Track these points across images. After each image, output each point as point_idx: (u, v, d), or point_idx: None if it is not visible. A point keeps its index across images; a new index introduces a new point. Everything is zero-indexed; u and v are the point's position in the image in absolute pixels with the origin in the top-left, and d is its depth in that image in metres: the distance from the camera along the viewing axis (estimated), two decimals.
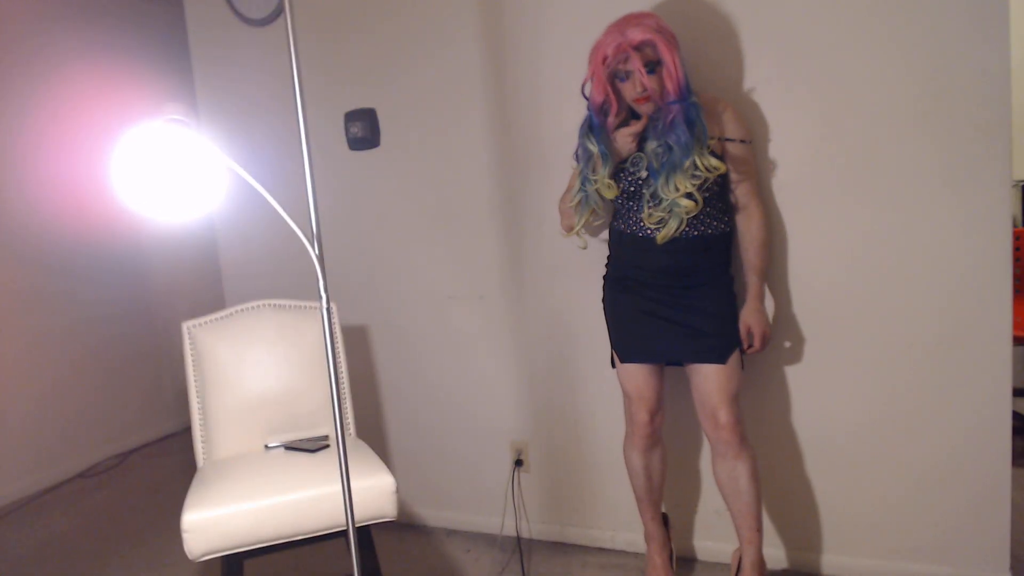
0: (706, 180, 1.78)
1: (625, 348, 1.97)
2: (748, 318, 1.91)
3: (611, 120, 1.83)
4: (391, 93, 2.46)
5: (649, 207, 1.83)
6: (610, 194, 1.89)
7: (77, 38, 3.65)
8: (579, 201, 1.94)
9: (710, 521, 2.24)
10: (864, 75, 1.88)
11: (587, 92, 1.85)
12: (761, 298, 1.93)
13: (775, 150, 1.99)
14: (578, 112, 2.00)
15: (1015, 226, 3.18)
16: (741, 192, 1.89)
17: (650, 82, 1.73)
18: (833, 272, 1.99)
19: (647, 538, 2.09)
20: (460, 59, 2.34)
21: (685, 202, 1.76)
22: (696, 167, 1.75)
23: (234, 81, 2.72)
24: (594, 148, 1.86)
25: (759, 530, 1.90)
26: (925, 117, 1.84)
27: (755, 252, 1.91)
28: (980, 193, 1.82)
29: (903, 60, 1.84)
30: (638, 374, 1.96)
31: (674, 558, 2.12)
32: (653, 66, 1.74)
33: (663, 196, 1.78)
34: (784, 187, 2.00)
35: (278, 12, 2.56)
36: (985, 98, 1.78)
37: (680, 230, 1.81)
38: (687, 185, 1.75)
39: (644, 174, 1.84)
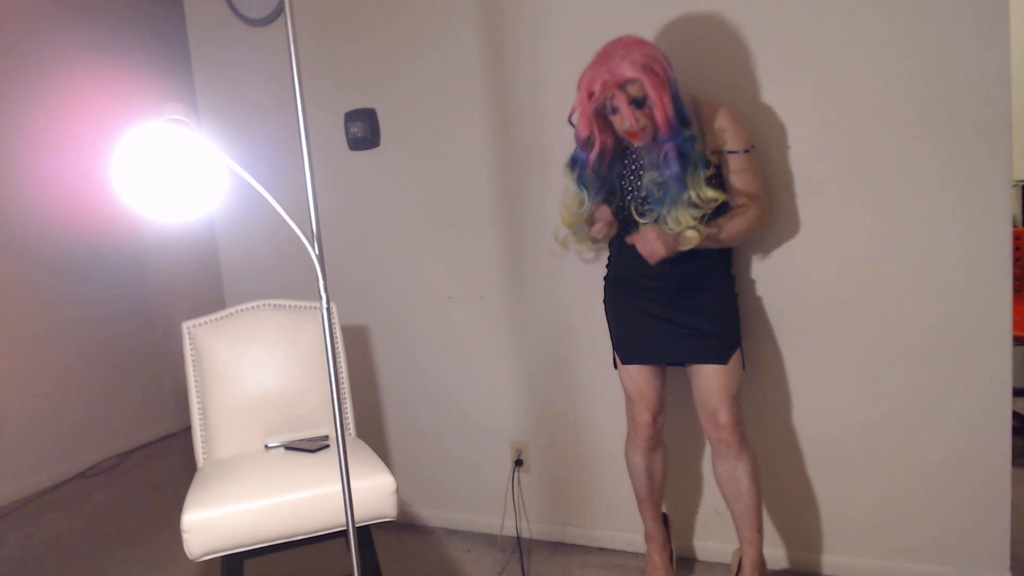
0: (706, 214, 1.76)
1: (626, 349, 1.97)
2: (646, 231, 1.76)
3: (592, 156, 1.81)
4: (391, 93, 2.46)
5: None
6: (584, 240, 1.97)
7: (77, 38, 3.65)
8: (568, 234, 1.99)
9: (710, 521, 2.24)
10: (864, 75, 1.88)
11: (574, 121, 1.83)
12: (674, 238, 1.75)
13: (775, 150, 1.99)
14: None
15: (1015, 226, 3.18)
16: (747, 191, 1.86)
17: (639, 118, 1.71)
18: (833, 272, 1.99)
19: (647, 538, 2.09)
20: (460, 59, 2.34)
21: (691, 234, 1.74)
22: (693, 201, 1.73)
23: (234, 81, 2.72)
24: (573, 188, 1.87)
25: (759, 530, 1.90)
26: (925, 117, 1.84)
27: (730, 228, 1.81)
28: (980, 193, 1.82)
29: (903, 60, 1.84)
30: (639, 375, 1.96)
31: (674, 558, 2.12)
32: (642, 101, 1.70)
33: (670, 226, 1.76)
34: (784, 187, 2.00)
35: (278, 12, 2.56)
36: (985, 98, 1.78)
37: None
38: (689, 219, 1.73)
39: (644, 194, 1.82)
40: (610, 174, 1.87)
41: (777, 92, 1.97)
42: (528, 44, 2.24)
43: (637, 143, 1.78)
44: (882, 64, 1.86)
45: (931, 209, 1.87)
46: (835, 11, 1.89)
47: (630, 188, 1.86)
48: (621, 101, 1.68)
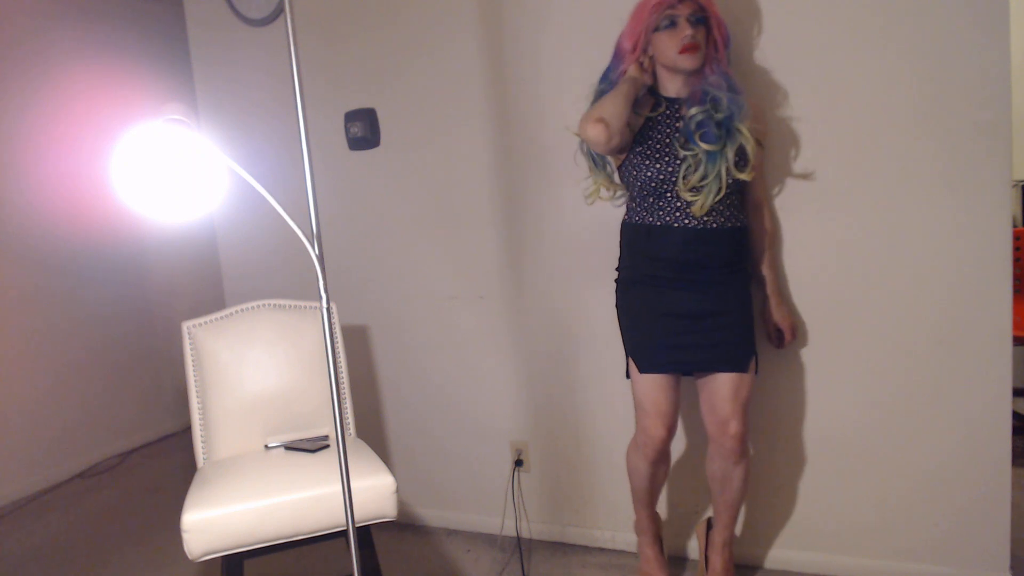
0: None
1: (647, 358, 1.88)
2: (775, 315, 1.95)
3: (624, 67, 1.84)
4: (391, 93, 2.46)
5: (685, 178, 1.77)
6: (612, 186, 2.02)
7: (77, 38, 3.65)
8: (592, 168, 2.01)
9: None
10: (864, 75, 1.88)
11: (621, 39, 1.86)
12: (779, 292, 1.97)
13: (775, 151, 1.99)
14: (579, 111, 2.01)
15: (1015, 226, 3.18)
16: (759, 188, 1.93)
17: (695, 33, 1.74)
18: (833, 273, 1.99)
19: (639, 531, 2.09)
20: (460, 59, 2.34)
21: (750, 139, 1.74)
22: (742, 133, 1.75)
23: (234, 81, 2.72)
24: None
25: (736, 517, 1.98)
26: (925, 117, 1.84)
27: (770, 246, 1.96)
28: (980, 193, 1.82)
29: (903, 60, 1.85)
30: (658, 388, 1.87)
31: (663, 552, 2.12)
32: (700, 20, 1.75)
33: (734, 143, 1.74)
34: (784, 187, 2.00)
35: (278, 12, 2.56)
36: (985, 98, 1.78)
37: (718, 198, 1.76)
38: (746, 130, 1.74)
39: (681, 153, 1.78)
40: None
41: (777, 92, 1.97)
42: (528, 44, 2.24)
43: (687, 62, 1.76)
44: (882, 64, 1.86)
45: (931, 209, 1.87)
46: (835, 11, 1.89)
47: (666, 146, 1.82)
48: (682, 11, 1.73)
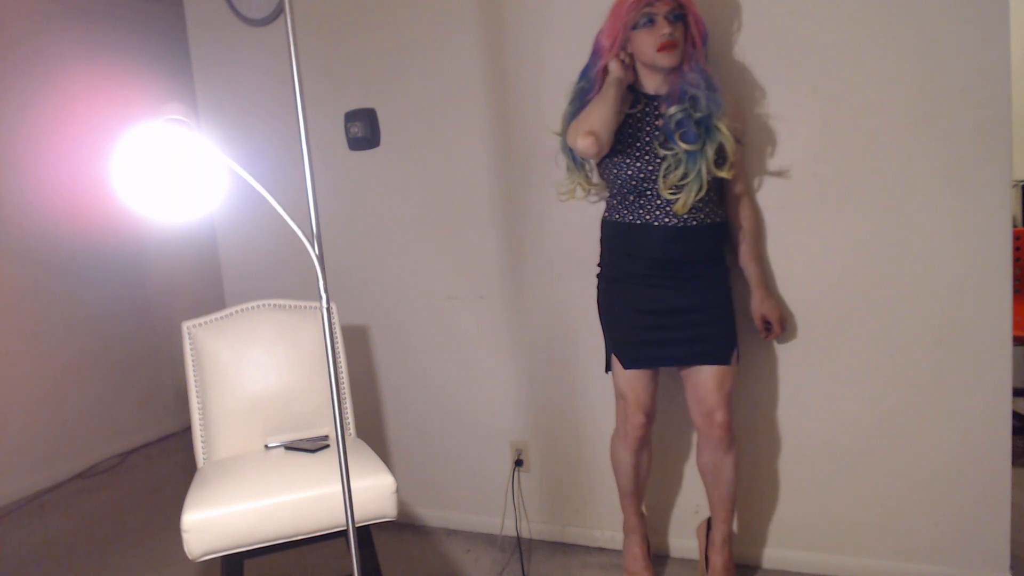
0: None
1: (629, 354, 1.94)
2: (761, 308, 1.95)
3: (603, 63, 1.84)
4: (391, 93, 2.46)
5: (665, 177, 1.78)
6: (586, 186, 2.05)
7: (77, 38, 3.65)
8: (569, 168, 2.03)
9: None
10: (864, 75, 1.88)
11: (600, 37, 1.86)
12: (767, 285, 1.97)
13: (775, 150, 1.99)
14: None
15: (1015, 226, 3.18)
16: (739, 183, 1.92)
17: (673, 30, 1.74)
18: (833, 272, 1.99)
19: (627, 530, 2.10)
20: (460, 59, 2.34)
21: (728, 138, 1.74)
22: (720, 131, 1.75)
23: (234, 81, 2.72)
24: (574, 107, 1.91)
25: (732, 511, 2.00)
26: (925, 117, 1.84)
27: (754, 241, 1.95)
28: (980, 193, 1.82)
29: (903, 60, 1.85)
30: (638, 379, 1.94)
31: (649, 552, 2.13)
32: (678, 16, 1.75)
33: (712, 139, 1.75)
34: (784, 187, 2.00)
35: (278, 12, 2.56)
36: (985, 98, 1.78)
37: (699, 196, 1.77)
38: (726, 128, 1.74)
39: (661, 152, 1.79)
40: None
41: (777, 93, 1.97)
42: (528, 43, 2.24)
43: (666, 60, 1.76)
44: (882, 64, 1.86)
45: (931, 209, 1.87)
46: (835, 11, 1.89)
47: (646, 145, 1.83)
48: (660, 8, 1.74)
